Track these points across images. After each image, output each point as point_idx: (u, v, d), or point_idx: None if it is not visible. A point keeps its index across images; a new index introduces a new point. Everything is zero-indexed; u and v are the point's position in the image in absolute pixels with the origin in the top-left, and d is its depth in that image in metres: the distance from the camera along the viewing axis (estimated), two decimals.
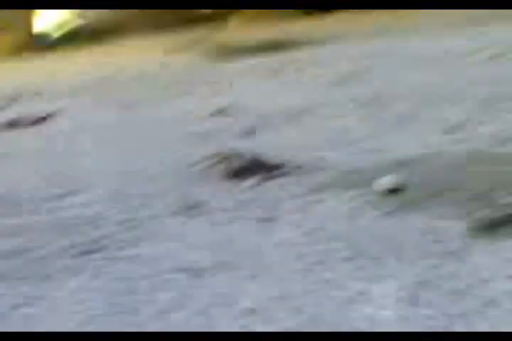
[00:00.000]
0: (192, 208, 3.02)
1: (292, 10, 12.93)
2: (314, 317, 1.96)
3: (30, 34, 15.52)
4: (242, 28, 12.40)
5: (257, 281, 2.22)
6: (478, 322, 1.82)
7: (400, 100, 4.75)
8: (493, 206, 2.62)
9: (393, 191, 2.91)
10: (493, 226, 2.47)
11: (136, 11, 14.13)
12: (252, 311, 2.02)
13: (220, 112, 5.15)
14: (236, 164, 3.37)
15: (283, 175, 3.34)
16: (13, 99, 7.86)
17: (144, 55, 10.79)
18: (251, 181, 3.27)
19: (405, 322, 1.85)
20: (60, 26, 17.19)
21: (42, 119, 6.03)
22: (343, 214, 2.74)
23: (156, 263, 2.47)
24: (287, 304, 2.04)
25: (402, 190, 2.93)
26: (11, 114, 6.59)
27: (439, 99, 4.58)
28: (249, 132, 4.27)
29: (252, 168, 3.36)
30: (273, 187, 3.19)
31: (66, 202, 3.30)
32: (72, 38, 15.36)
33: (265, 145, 3.91)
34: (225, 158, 3.40)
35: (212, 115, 5.15)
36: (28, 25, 16.65)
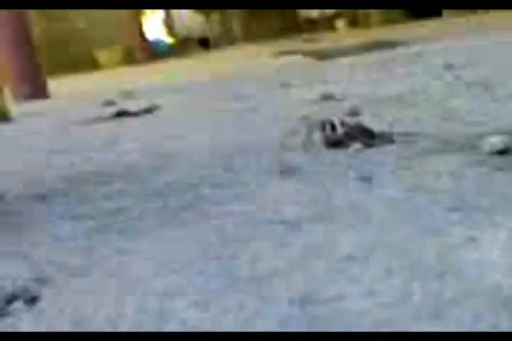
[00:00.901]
0: (289, 171, 2.82)
1: (397, 14, 12.76)
2: (417, 261, 1.71)
3: (143, 40, 15.68)
4: (347, 31, 12.27)
5: (355, 231, 1.98)
6: None
7: (508, 84, 4.51)
8: None
9: (502, 152, 2.63)
10: None
11: (243, 19, 14.17)
12: (350, 257, 1.79)
13: (329, 98, 4.99)
14: (339, 131, 3.15)
15: (387, 142, 3.11)
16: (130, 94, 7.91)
17: (254, 58, 10.79)
18: (353, 147, 3.06)
19: None
20: (171, 34, 17.36)
21: (155, 108, 6.04)
22: (448, 171, 2.48)
23: (251, 217, 2.27)
24: (388, 250, 1.80)
25: (511, 150, 2.66)
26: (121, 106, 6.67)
27: None
28: (356, 111, 4.06)
29: (355, 136, 3.14)
30: (375, 153, 2.97)
31: (161, 173, 3.17)
32: (184, 46, 15.49)
33: (370, 120, 3.71)
34: (327, 125, 3.18)
35: (320, 99, 5.01)
36: (137, 34, 16.82)
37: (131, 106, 6.55)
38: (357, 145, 3.02)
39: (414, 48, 7.86)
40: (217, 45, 14.72)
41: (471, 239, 1.78)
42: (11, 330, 1.61)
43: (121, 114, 5.88)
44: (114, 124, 5.51)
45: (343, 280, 1.65)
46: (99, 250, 2.14)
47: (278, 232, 2.06)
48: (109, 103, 7.12)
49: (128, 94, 7.84)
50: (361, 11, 12.71)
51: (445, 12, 12.12)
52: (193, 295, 1.68)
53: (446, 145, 2.88)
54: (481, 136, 2.90)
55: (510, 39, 7.25)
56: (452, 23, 10.95)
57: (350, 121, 3.39)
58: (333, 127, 3.20)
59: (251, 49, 11.83)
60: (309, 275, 1.70)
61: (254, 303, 1.59)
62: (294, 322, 1.48)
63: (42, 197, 3.01)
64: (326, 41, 10.87)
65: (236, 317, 1.52)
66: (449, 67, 5.72)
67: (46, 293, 1.82)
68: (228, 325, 1.49)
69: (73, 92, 10.38)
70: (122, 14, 17.44)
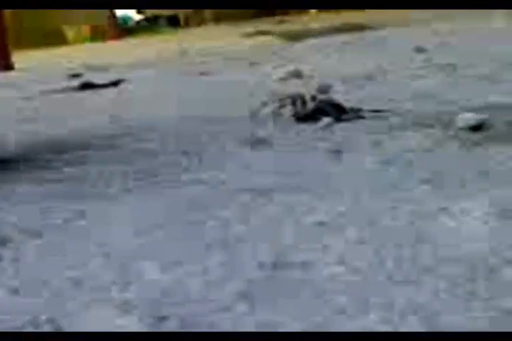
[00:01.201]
0: (259, 142, 2.76)
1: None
2: (390, 229, 1.67)
3: (112, 16, 15.56)
4: (318, 14, 12.24)
5: (326, 200, 1.93)
6: None
7: (479, 65, 4.49)
8: None
9: (475, 128, 2.60)
10: None
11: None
12: (321, 224, 1.74)
13: (298, 75, 4.93)
14: (310, 106, 3.10)
15: (357, 117, 3.07)
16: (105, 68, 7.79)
17: (225, 38, 10.69)
18: (324, 121, 3.00)
19: (494, 236, 1.55)
20: (140, 12, 17.21)
21: (120, 81, 5.95)
22: (422, 145, 2.44)
23: (219, 184, 2.21)
24: (359, 218, 1.75)
25: (485, 126, 2.62)
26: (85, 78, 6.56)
27: None
28: (326, 88, 4.01)
29: (325, 110, 3.09)
30: (345, 127, 2.92)
31: (128, 141, 3.10)
32: (152, 24, 15.37)
33: (342, 97, 3.66)
34: (298, 100, 3.13)
35: (288, 77, 4.95)
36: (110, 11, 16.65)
37: (98, 79, 6.44)
38: (327, 120, 2.97)
39: (384, 31, 7.83)
40: (188, 25, 14.59)
41: (444, 209, 1.74)
42: None
43: (87, 85, 5.78)
44: (79, 95, 5.42)
45: (314, 247, 1.60)
46: (61, 213, 2.07)
47: (247, 200, 2.00)
48: (76, 75, 7.00)
49: (95, 68, 7.71)
50: None
51: None
52: (159, 259, 1.62)
53: (418, 122, 2.84)
54: (452, 114, 2.86)
55: (475, 24, 7.26)
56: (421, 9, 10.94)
57: (321, 96, 3.34)
58: (304, 102, 3.14)
59: (222, 29, 11.74)
60: (278, 241, 1.65)
61: (222, 267, 1.53)
62: (262, 286, 1.42)
63: (5, 162, 2.92)
64: (297, 23, 10.82)
65: (201, 280, 1.47)
66: (419, 49, 5.69)
67: (5, 254, 1.75)
68: (193, 287, 1.44)
69: (41, 65, 10.22)
70: None
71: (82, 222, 1.96)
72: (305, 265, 1.51)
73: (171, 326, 1.27)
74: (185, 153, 2.69)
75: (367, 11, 11.09)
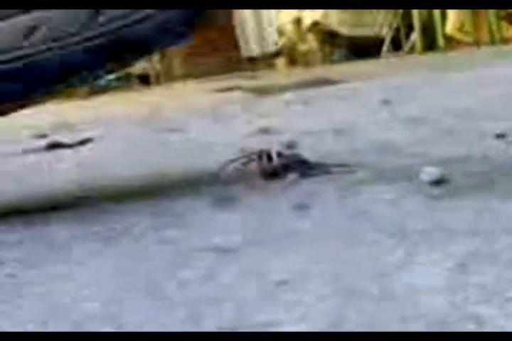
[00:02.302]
0: (226, 200, 2.76)
1: (336, 53, 12.97)
2: (352, 286, 1.66)
3: None
4: (287, 69, 12.41)
5: (289, 257, 1.92)
6: None
7: (443, 118, 4.56)
8: None
9: (438, 182, 2.62)
10: None
11: (184, 57, 14.22)
12: (283, 282, 1.73)
13: (266, 131, 4.97)
14: (276, 162, 3.11)
15: (323, 173, 3.08)
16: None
17: (194, 94, 10.79)
18: (290, 178, 3.02)
19: (454, 291, 1.55)
20: (111, 71, 17.49)
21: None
22: (387, 200, 2.45)
23: (181, 244, 2.20)
24: (322, 275, 1.74)
25: (448, 181, 2.65)
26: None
27: (477, 118, 4.38)
28: (293, 144, 4.04)
29: (291, 166, 3.10)
30: (312, 183, 2.93)
31: (92, 202, 3.10)
32: (123, 82, 15.49)
33: (308, 152, 3.69)
34: (264, 156, 3.14)
35: (258, 133, 4.98)
36: None
37: (65, 138, 6.45)
38: (293, 176, 2.99)
39: (352, 85, 7.95)
40: (158, 82, 14.67)
41: (406, 265, 1.74)
42: None
43: (53, 146, 5.77)
44: (45, 156, 5.41)
45: (275, 306, 1.59)
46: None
47: (208, 260, 1.99)
48: (41, 136, 6.98)
49: (62, 127, 7.72)
50: (300, 51, 12.88)
51: (383, 53, 12.34)
52: (116, 321, 1.60)
53: (383, 176, 2.86)
54: (416, 167, 2.88)
55: (438, 77, 7.44)
56: (389, 62, 11.16)
57: (287, 152, 3.36)
58: (270, 158, 3.16)
59: (191, 85, 11.85)
60: (239, 303, 1.64)
61: (182, 329, 1.52)
62: None
63: None
64: (266, 78, 10.95)
65: None
66: (385, 102, 5.77)
67: None
68: None
69: (4, 125, 10.21)
70: None
71: (48, 285, 1.94)
72: (266, 325, 1.50)
73: None
74: (150, 212, 2.69)
75: (334, 65, 11.27)
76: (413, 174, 2.78)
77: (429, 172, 2.64)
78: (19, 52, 1.80)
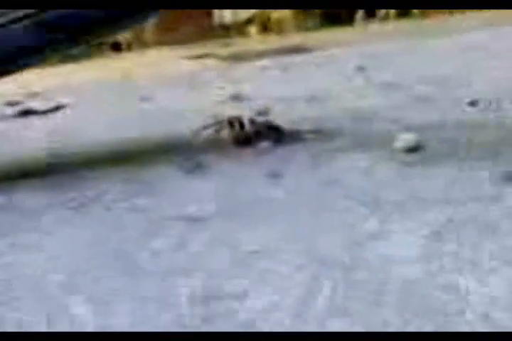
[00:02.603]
0: (198, 167, 2.72)
1: (310, 21, 12.85)
2: (326, 256, 1.64)
3: None
4: (260, 36, 12.30)
5: (261, 225, 1.90)
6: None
7: (417, 85, 4.53)
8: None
9: (413, 149, 2.60)
10: None
11: (156, 23, 14.03)
12: (255, 252, 1.71)
13: (238, 98, 4.91)
14: (248, 129, 3.07)
15: (296, 140, 3.05)
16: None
17: (166, 61, 10.67)
18: (263, 145, 2.98)
19: (428, 261, 1.54)
20: None
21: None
22: (360, 168, 2.43)
23: (153, 213, 2.16)
24: (295, 245, 1.72)
25: (422, 147, 2.62)
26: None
27: (452, 86, 4.36)
28: (266, 111, 3.99)
29: (264, 133, 3.07)
30: (284, 150, 2.90)
31: (62, 168, 3.05)
32: (96, 49, 15.32)
33: (280, 119, 3.65)
34: (236, 123, 3.10)
35: (230, 100, 4.93)
36: None
37: (37, 105, 6.36)
38: (265, 143, 2.95)
39: (328, 52, 7.89)
40: (130, 49, 14.48)
41: (380, 233, 1.72)
42: None
43: (25, 113, 5.69)
44: (16, 123, 5.33)
45: (248, 277, 1.56)
46: None
47: (179, 229, 1.96)
48: (13, 103, 6.89)
49: (34, 94, 7.62)
50: (274, 18, 12.73)
51: (357, 20, 12.23)
52: (87, 292, 1.57)
53: (358, 143, 2.83)
54: (391, 134, 2.86)
55: (413, 44, 7.41)
56: (365, 30, 11.10)
57: (259, 119, 3.32)
58: (242, 125, 3.12)
59: (164, 52, 11.73)
60: (212, 272, 1.61)
61: (152, 301, 1.49)
62: (193, 320, 1.38)
63: None
64: (239, 46, 10.84)
65: (131, 318, 1.42)
66: (360, 69, 5.72)
67: None
68: (119, 325, 1.39)
69: None
70: None
71: (14, 255, 1.90)
72: (238, 296, 1.47)
73: None
74: (121, 179, 2.64)
75: (309, 33, 11.22)
76: (388, 141, 2.75)
77: (404, 139, 2.62)
78: None
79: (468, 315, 1.27)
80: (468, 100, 3.48)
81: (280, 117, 3.70)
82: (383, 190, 2.12)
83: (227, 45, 11.68)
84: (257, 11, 14.26)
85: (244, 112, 3.98)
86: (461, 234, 1.67)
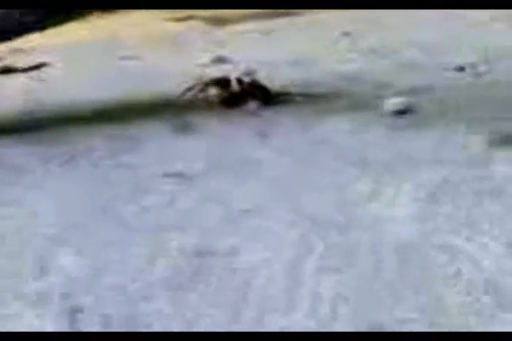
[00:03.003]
0: (186, 127, 2.69)
1: None
2: (318, 215, 1.63)
3: None
4: None
5: (251, 184, 1.88)
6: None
7: (404, 51, 4.51)
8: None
9: (401, 112, 2.59)
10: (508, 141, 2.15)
11: None
12: (247, 210, 1.70)
13: (223, 61, 4.87)
14: (235, 89, 3.04)
15: (284, 101, 3.02)
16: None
17: (149, 23, 10.55)
18: (251, 105, 2.95)
19: (424, 221, 1.53)
20: None
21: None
22: (349, 130, 2.41)
23: (142, 170, 2.14)
24: (286, 204, 1.71)
25: (411, 111, 2.61)
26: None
27: (438, 51, 4.35)
28: (252, 73, 3.96)
29: (252, 93, 3.03)
30: (272, 111, 2.88)
31: (48, 124, 3.01)
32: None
33: (268, 82, 3.63)
34: (223, 83, 3.06)
35: (215, 62, 4.88)
36: None
37: (19, 63, 6.27)
38: (253, 104, 2.92)
39: (313, 16, 7.83)
40: (116, 10, 14.22)
41: (371, 194, 1.71)
42: None
43: (6, 70, 5.61)
44: None
45: (240, 234, 1.55)
46: None
47: (169, 185, 1.94)
48: None
49: (17, 52, 7.51)
50: None
51: None
52: (76, 246, 1.55)
53: (345, 105, 2.82)
54: (379, 98, 2.85)
55: (404, 12, 7.33)
56: None
57: (246, 79, 3.28)
58: (229, 85, 3.08)
59: (149, 14, 11.56)
60: (203, 229, 1.60)
61: (143, 255, 1.48)
62: (184, 273, 1.37)
63: None
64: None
65: (123, 269, 1.41)
66: (346, 34, 5.68)
67: None
68: (111, 275, 1.38)
69: None
70: None
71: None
72: (230, 253, 1.46)
73: (86, 319, 1.22)
74: (107, 136, 2.61)
75: None
76: (376, 104, 2.74)
77: (393, 103, 2.60)
78: None
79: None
80: (456, 65, 3.47)
81: (266, 80, 3.67)
82: (373, 150, 2.11)
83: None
84: None
85: (230, 74, 3.95)
86: (456, 197, 1.67)
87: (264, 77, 3.82)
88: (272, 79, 3.72)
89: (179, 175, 2.03)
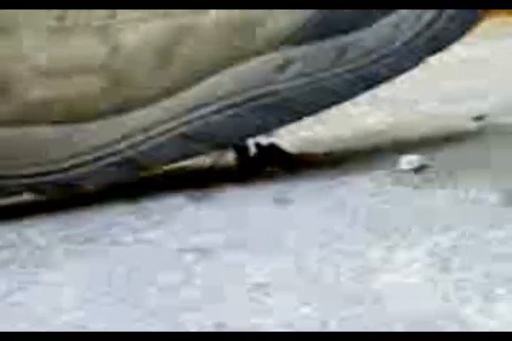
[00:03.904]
0: (203, 196, 2.74)
1: None
2: (333, 286, 1.65)
3: None
4: None
5: (269, 258, 1.91)
6: None
7: (420, 101, 4.55)
8: None
9: (417, 169, 2.61)
10: None
11: None
12: (263, 285, 1.73)
13: None
14: (253, 153, 3.08)
15: (304, 163, 3.06)
16: None
17: None
18: (268, 169, 2.99)
19: (435, 292, 1.55)
20: None
21: None
22: (366, 190, 2.44)
23: (159, 245, 2.18)
24: (302, 276, 1.74)
25: (426, 168, 2.63)
26: None
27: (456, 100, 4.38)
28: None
29: (270, 157, 3.08)
30: (290, 174, 2.91)
31: None
32: None
33: (285, 139, 3.68)
34: (240, 147, 3.11)
35: None
36: None
37: None
38: (271, 168, 2.96)
39: None
40: None
41: (386, 262, 1.73)
42: None
43: None
44: None
45: (256, 310, 1.58)
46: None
47: (188, 261, 1.97)
48: None
49: None
50: None
51: None
52: (97, 329, 1.59)
53: (363, 164, 2.86)
54: (395, 154, 2.88)
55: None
56: None
57: (264, 142, 3.33)
58: (246, 148, 3.13)
59: None
60: (221, 306, 1.62)
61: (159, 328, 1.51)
62: None
63: None
64: None
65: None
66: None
67: None
68: None
69: None
70: None
71: (23, 293, 1.92)
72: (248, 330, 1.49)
73: None
74: (123, 213, 2.66)
75: None
76: (393, 162, 2.77)
77: (410, 160, 2.62)
78: (271, 87, 1.83)
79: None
80: (474, 116, 3.50)
81: (285, 138, 3.73)
82: (390, 214, 2.14)
83: None
84: None
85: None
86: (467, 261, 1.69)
87: (281, 135, 3.88)
88: (291, 137, 3.78)
89: (195, 250, 2.06)
